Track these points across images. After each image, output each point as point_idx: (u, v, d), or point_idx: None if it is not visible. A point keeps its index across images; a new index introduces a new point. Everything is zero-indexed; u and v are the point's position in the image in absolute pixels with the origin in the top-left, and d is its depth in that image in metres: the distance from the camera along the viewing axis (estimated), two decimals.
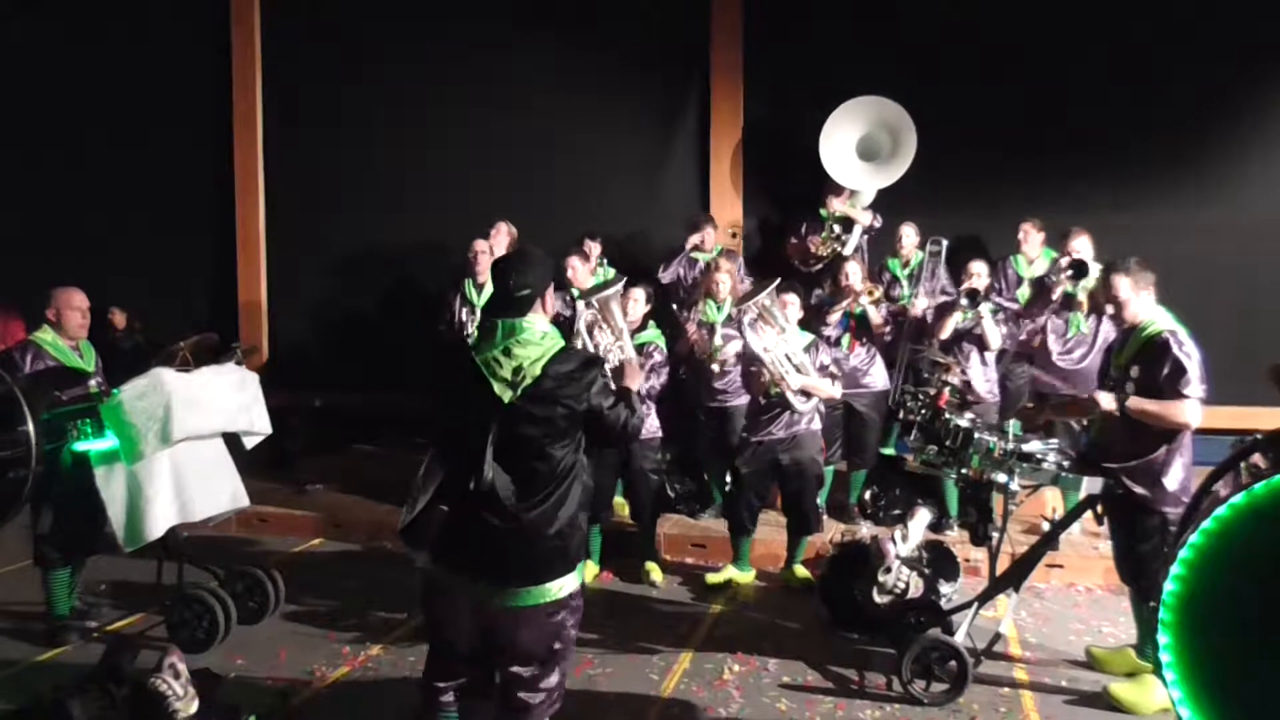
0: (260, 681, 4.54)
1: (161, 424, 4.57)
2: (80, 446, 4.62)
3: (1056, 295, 6.39)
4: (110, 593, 5.68)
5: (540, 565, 3.10)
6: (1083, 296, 6.36)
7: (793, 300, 5.90)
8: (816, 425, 5.91)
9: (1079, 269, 6.13)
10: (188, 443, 4.72)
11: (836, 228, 7.27)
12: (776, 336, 5.68)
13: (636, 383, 3.53)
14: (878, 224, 7.29)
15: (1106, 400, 4.26)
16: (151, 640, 4.80)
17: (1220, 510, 2.93)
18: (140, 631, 5.04)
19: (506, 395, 3.01)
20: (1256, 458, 3.16)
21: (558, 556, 3.12)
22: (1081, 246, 6.31)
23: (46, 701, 3.74)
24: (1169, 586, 2.98)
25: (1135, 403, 4.21)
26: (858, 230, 7.25)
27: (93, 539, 4.92)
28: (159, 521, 4.62)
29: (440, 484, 3.16)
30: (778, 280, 5.82)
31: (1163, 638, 2.97)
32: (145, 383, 4.64)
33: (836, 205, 7.26)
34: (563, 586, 3.14)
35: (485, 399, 3.02)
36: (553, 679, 3.20)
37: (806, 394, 5.71)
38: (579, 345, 5.34)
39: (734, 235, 7.13)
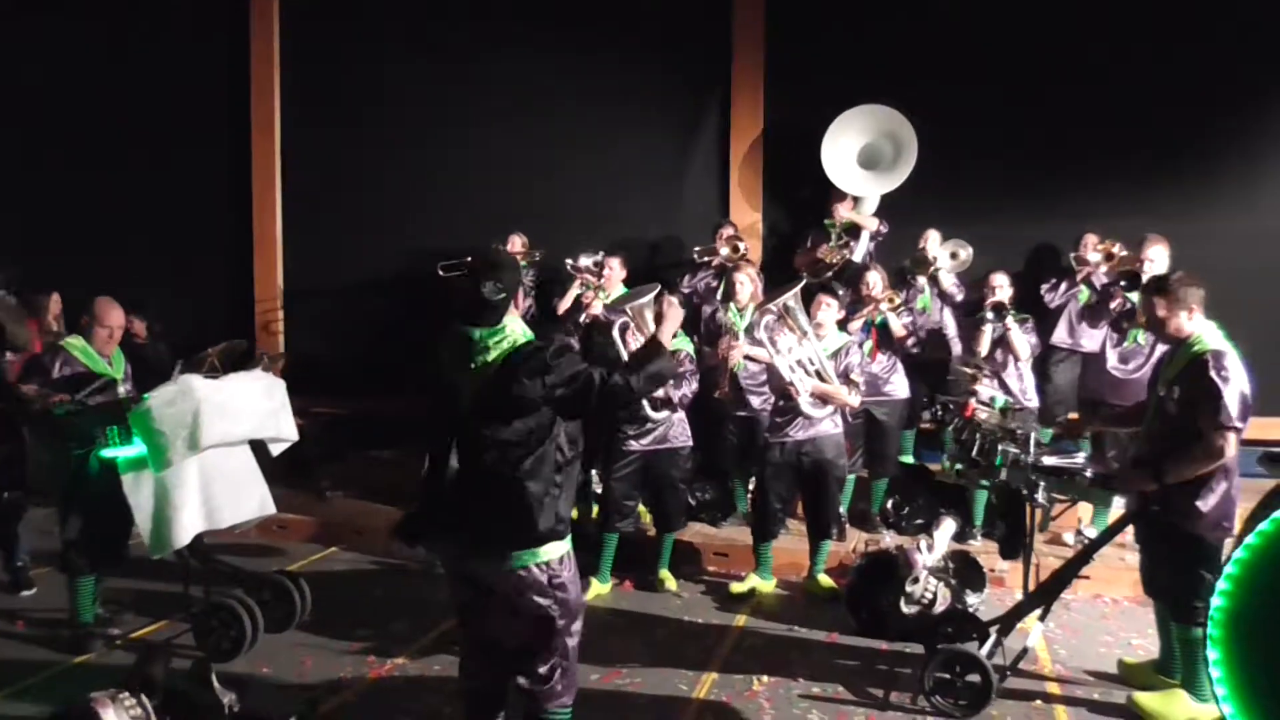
0: (287, 689, 4.52)
1: (190, 431, 4.54)
2: (108, 453, 4.59)
3: (1114, 305, 6.43)
4: (134, 600, 5.67)
5: (506, 534, 3.22)
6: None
7: (830, 303, 5.85)
8: (838, 427, 5.87)
9: (1132, 280, 6.15)
10: (216, 450, 4.70)
11: (844, 235, 7.27)
12: (795, 339, 5.64)
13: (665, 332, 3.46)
14: (884, 229, 7.30)
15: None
16: (179, 648, 4.79)
17: (1263, 525, 2.91)
18: (166, 639, 5.02)
19: (469, 390, 3.22)
20: None
21: (525, 524, 3.20)
22: (1157, 255, 6.20)
23: (80, 707, 3.72)
24: (1216, 602, 2.96)
25: (1174, 477, 4.05)
26: (865, 236, 7.26)
27: (120, 546, 4.92)
28: (186, 529, 4.59)
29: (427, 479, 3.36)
30: (803, 281, 5.78)
31: (1212, 653, 2.94)
32: (174, 389, 4.61)
33: (842, 212, 7.28)
34: (532, 556, 3.21)
35: (455, 399, 3.26)
36: (543, 667, 3.30)
37: (824, 400, 5.69)
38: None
39: (737, 249, 7.11)
